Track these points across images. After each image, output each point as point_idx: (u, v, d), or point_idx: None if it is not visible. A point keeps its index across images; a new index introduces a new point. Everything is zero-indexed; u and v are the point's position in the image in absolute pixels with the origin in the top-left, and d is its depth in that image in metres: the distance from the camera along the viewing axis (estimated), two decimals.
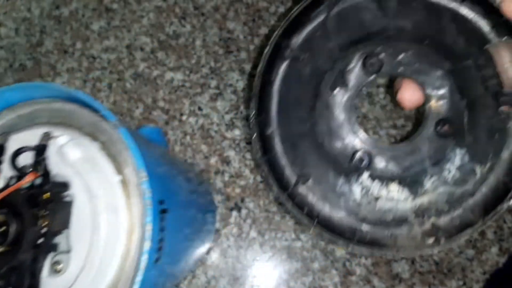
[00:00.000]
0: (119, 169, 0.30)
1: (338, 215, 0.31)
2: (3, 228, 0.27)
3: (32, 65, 0.65)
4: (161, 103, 0.63)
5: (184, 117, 0.62)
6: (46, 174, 0.29)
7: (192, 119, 0.62)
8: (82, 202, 0.30)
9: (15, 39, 0.66)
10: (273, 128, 0.31)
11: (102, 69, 0.64)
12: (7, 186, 0.29)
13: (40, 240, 0.27)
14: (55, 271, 0.28)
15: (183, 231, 0.40)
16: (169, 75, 0.63)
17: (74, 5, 0.67)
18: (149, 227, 0.28)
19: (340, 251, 0.56)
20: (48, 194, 0.28)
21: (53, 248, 0.28)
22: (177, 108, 0.62)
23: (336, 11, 0.30)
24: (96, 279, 0.28)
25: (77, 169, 0.30)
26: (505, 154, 0.29)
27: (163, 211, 0.31)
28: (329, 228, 0.30)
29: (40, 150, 0.30)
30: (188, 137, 0.61)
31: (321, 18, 0.30)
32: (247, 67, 0.62)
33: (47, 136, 0.30)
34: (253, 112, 0.29)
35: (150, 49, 0.64)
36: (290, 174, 0.31)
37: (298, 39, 0.30)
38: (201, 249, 0.54)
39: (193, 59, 0.64)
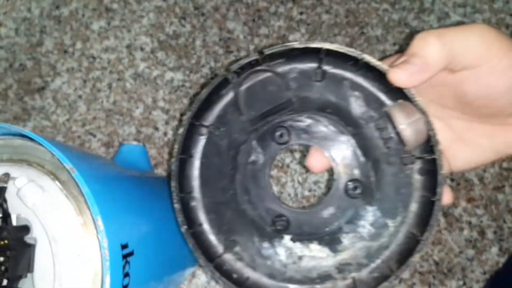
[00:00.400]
0: (80, 210, 0.29)
1: (266, 278, 0.32)
2: None
3: (32, 65, 0.65)
4: (161, 103, 0.63)
5: (184, 117, 0.62)
6: (5, 217, 0.28)
7: None
8: (44, 245, 0.28)
9: (15, 39, 0.66)
10: (197, 202, 0.33)
11: (102, 69, 0.64)
12: None
13: (3, 284, 0.26)
14: None
15: (157, 266, 0.38)
16: (169, 75, 0.63)
17: (74, 5, 0.67)
18: (107, 280, 0.27)
19: None
20: (6, 241, 0.26)
21: None
22: (177, 108, 0.62)
23: (245, 87, 0.32)
24: None
25: (37, 211, 0.28)
26: (412, 207, 0.31)
27: (128, 255, 0.30)
28: None
29: None
30: None
31: (230, 95, 0.32)
32: None
33: (6, 178, 0.29)
34: (174, 189, 0.31)
35: (150, 49, 0.64)
36: (216, 243, 0.32)
37: (212, 117, 0.32)
38: (187, 270, 0.52)
39: (193, 59, 0.64)
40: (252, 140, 0.33)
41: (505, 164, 0.60)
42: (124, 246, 0.30)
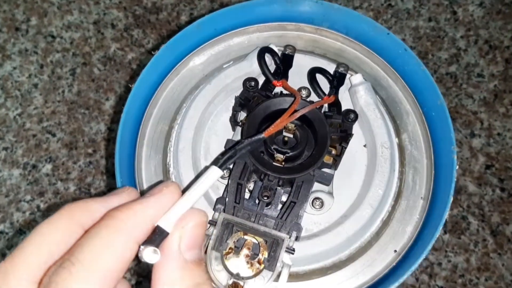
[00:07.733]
0: (397, 132, 0.33)
1: None
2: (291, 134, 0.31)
3: None
4: None
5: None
6: (337, 104, 0.32)
7: None
8: (357, 147, 0.33)
9: None
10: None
11: (63, 50, 0.56)
12: (294, 97, 0.32)
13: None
14: (317, 207, 0.32)
15: None
16: (148, 58, 0.55)
17: None
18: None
19: None
20: (340, 122, 0.31)
21: (324, 178, 0.30)
22: None
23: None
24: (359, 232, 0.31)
25: (362, 110, 0.32)
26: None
27: None
28: None
29: (339, 78, 0.33)
30: None
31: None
32: None
33: (344, 68, 0.33)
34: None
35: (124, 25, 0.56)
36: None
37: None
38: None
39: None
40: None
41: None
42: None
